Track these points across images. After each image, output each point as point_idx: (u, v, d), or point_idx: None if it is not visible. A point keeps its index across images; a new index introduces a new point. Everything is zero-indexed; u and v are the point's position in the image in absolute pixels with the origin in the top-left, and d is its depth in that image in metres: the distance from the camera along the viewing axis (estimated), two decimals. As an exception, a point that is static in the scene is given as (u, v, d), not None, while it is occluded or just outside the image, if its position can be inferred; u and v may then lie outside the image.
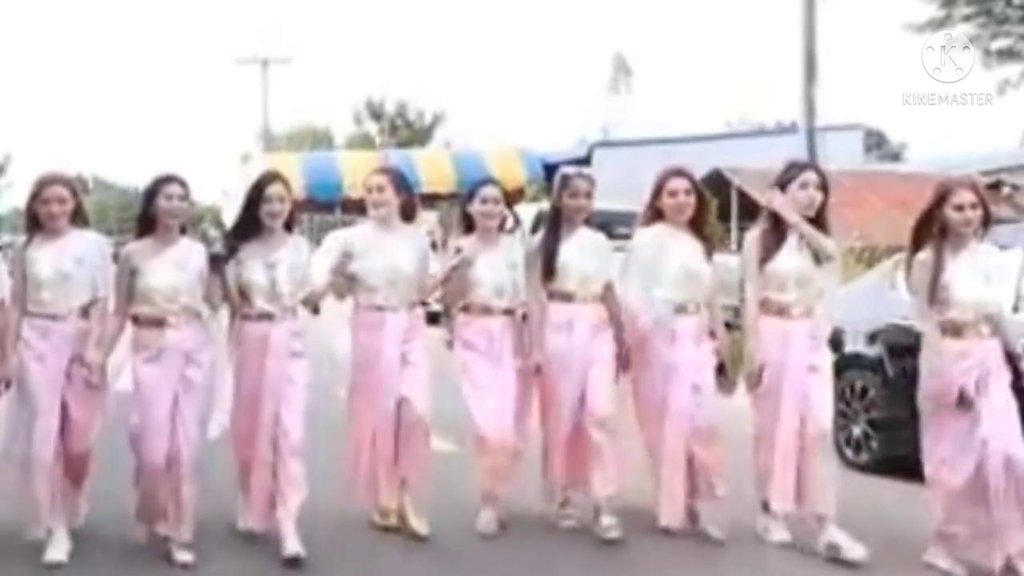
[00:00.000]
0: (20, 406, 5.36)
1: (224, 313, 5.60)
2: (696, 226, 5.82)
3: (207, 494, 5.46)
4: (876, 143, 39.35)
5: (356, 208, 17.97)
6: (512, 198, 6.28)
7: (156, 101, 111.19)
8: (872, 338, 7.59)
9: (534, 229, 6.84)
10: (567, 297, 5.85)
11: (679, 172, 5.84)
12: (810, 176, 5.64)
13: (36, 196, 5.39)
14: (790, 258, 5.57)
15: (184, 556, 5.25)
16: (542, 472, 5.98)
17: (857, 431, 7.52)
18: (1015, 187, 17.61)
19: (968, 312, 5.21)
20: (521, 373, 5.81)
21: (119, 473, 5.52)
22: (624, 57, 45.14)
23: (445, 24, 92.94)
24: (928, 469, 5.32)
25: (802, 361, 5.52)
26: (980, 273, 5.25)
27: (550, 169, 21.95)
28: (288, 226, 5.62)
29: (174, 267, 5.34)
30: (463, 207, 6.01)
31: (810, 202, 5.59)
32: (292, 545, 5.27)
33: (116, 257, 5.50)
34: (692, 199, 5.77)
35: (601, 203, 6.33)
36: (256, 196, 5.53)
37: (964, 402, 5.14)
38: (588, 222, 6.00)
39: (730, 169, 19.66)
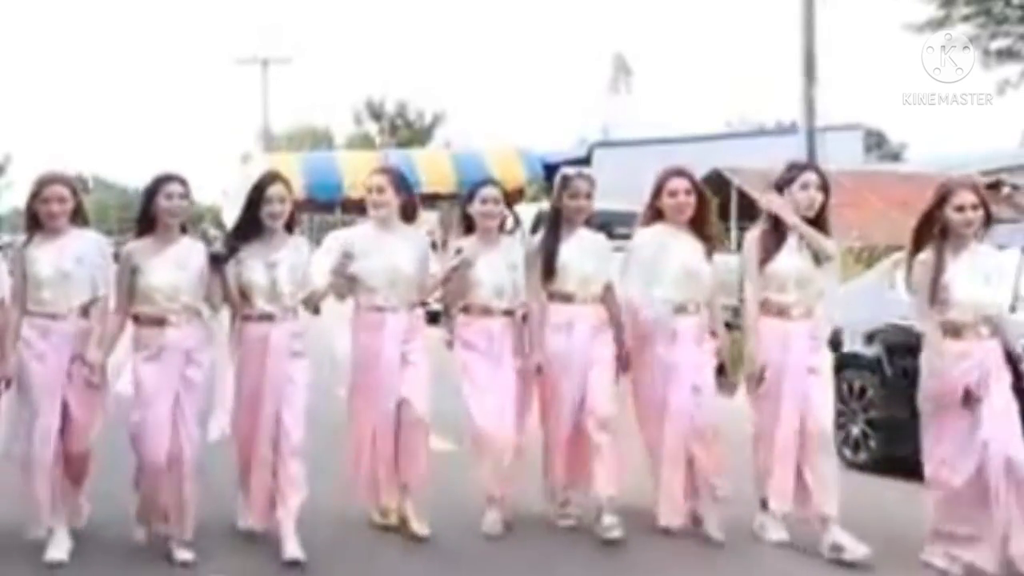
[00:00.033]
0: (20, 406, 5.37)
1: (225, 313, 5.60)
2: (697, 226, 5.83)
3: (207, 494, 5.46)
4: (876, 143, 39.29)
5: (356, 208, 17.93)
6: (512, 198, 6.29)
7: (156, 101, 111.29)
8: (871, 338, 7.60)
9: (534, 229, 6.83)
10: (567, 298, 5.85)
11: (679, 172, 5.84)
12: (810, 177, 5.65)
13: (36, 195, 5.40)
14: (790, 259, 5.58)
15: (184, 554, 5.26)
16: (543, 472, 5.99)
17: (855, 431, 7.53)
18: (1015, 187, 17.57)
19: (967, 313, 5.22)
20: (521, 373, 5.82)
21: (119, 473, 5.53)
22: (624, 57, 45.18)
23: (445, 24, 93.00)
24: (928, 469, 5.32)
25: (802, 362, 5.53)
26: (980, 274, 5.25)
27: (550, 169, 21.90)
28: (289, 227, 5.62)
29: (175, 266, 5.35)
30: (463, 207, 6.01)
31: (810, 203, 5.60)
32: (292, 548, 5.27)
33: (116, 256, 5.51)
34: (692, 199, 5.78)
35: (601, 203, 6.33)
36: (257, 197, 5.53)
37: (969, 400, 5.13)
38: (588, 222, 6.01)
39: (730, 169, 19.61)
